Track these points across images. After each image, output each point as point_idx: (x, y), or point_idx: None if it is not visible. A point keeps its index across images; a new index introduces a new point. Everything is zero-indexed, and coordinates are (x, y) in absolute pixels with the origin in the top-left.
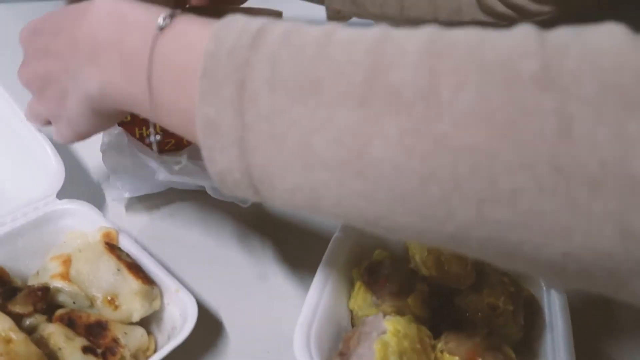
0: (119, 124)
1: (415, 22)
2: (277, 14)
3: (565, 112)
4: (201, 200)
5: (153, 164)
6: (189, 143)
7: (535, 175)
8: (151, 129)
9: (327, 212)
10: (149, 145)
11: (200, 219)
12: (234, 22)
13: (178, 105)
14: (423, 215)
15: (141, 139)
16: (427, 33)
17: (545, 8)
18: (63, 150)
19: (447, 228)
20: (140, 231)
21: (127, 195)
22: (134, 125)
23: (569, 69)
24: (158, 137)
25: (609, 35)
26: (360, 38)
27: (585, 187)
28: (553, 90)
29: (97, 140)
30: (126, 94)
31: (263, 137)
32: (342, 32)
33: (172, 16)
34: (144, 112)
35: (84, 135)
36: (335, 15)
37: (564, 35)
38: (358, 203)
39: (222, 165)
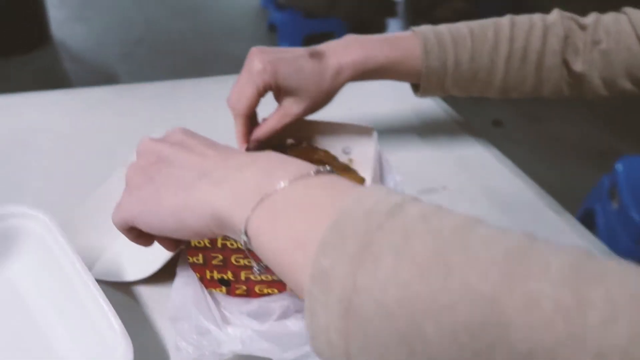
0: (191, 265)
1: (516, 96)
2: (369, 131)
3: None
4: None
5: (217, 334)
6: (260, 292)
7: None
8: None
9: None
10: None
11: None
12: (376, 190)
13: (286, 234)
14: None
15: (212, 281)
16: (574, 253)
17: None
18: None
19: None
20: None
21: None
22: (205, 267)
23: None
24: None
25: None
26: (503, 238)
27: None
28: None
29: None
30: (240, 211)
31: (372, 304)
32: (484, 228)
33: (321, 171)
34: (237, 233)
35: (142, 223)
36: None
37: None
38: None
39: (321, 321)
